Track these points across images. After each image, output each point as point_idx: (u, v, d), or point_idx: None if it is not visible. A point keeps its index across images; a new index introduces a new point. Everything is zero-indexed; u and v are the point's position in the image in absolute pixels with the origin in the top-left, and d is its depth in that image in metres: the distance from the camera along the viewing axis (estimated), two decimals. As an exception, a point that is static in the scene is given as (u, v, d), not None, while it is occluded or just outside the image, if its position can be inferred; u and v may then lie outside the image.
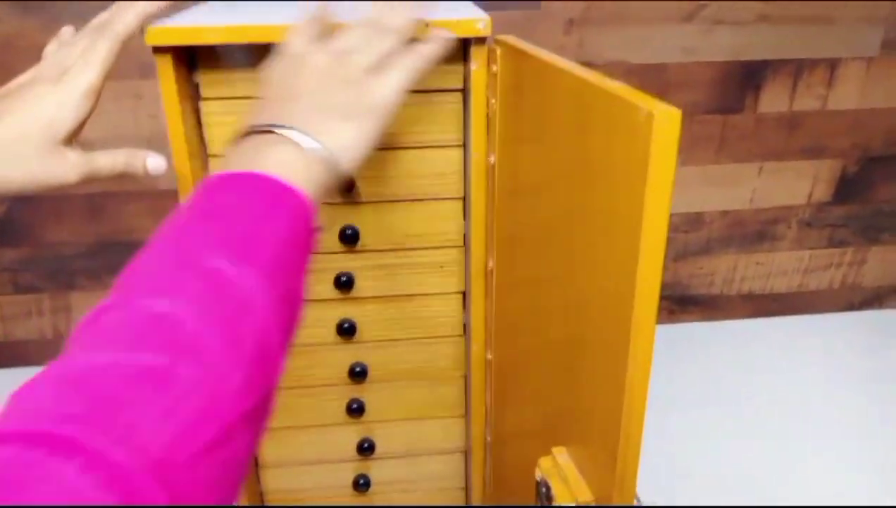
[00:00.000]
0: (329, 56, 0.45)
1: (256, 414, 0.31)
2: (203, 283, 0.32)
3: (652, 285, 0.39)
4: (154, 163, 0.52)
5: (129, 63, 0.99)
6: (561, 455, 0.47)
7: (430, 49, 0.48)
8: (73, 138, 0.49)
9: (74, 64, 0.48)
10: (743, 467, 0.99)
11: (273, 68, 0.47)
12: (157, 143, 1.07)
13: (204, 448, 0.27)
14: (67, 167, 0.48)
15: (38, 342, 1.19)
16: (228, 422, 0.29)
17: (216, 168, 0.63)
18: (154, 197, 1.09)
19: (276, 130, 0.41)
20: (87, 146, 0.51)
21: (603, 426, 0.43)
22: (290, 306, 0.36)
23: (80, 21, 1.02)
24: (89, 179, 0.49)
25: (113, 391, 0.26)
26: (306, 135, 0.41)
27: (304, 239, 0.38)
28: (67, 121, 0.47)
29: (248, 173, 0.38)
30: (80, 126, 0.49)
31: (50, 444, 0.24)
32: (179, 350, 0.29)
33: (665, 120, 0.32)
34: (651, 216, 0.34)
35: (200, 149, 0.62)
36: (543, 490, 0.46)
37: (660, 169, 0.33)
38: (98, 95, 0.49)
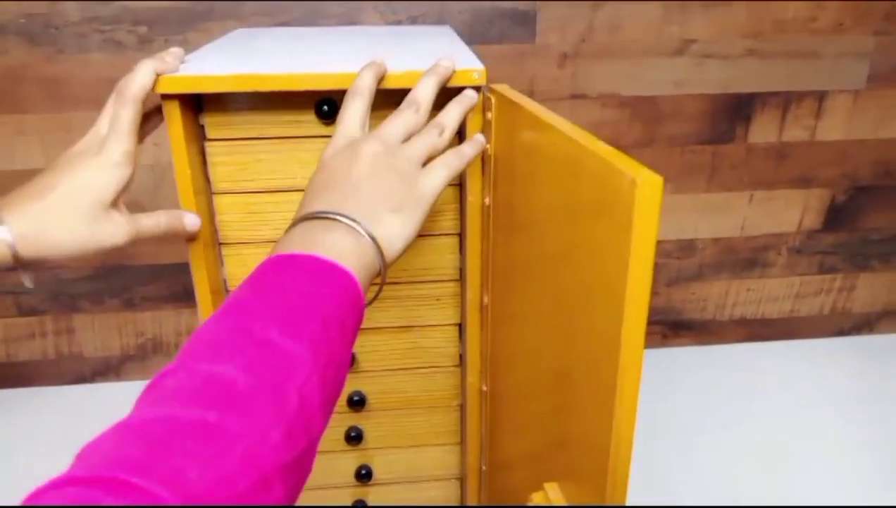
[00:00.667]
0: (383, 146, 0.49)
1: (293, 468, 0.34)
2: (254, 349, 0.36)
3: (637, 323, 0.41)
4: (191, 221, 0.58)
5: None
6: (553, 490, 0.48)
7: (472, 151, 0.54)
8: (118, 201, 0.53)
9: (107, 135, 0.52)
10: (733, 492, 1.01)
11: (329, 153, 0.50)
12: (159, 169, 1.09)
13: (242, 493, 0.30)
14: (115, 230, 0.52)
15: (41, 362, 1.21)
16: (267, 473, 0.32)
17: (220, 205, 0.66)
18: (157, 223, 1.11)
19: (330, 217, 0.44)
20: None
21: (592, 462, 0.45)
22: (334, 371, 0.39)
23: (84, 53, 1.04)
24: (136, 240, 0.54)
25: (165, 440, 0.30)
26: (358, 224, 0.44)
27: (350, 314, 0.42)
28: (110, 188, 0.51)
29: (303, 255, 0.42)
30: (123, 190, 0.53)
31: (106, 485, 0.27)
32: (228, 406, 0.32)
33: (647, 186, 0.34)
34: (636, 267, 0.36)
35: (206, 186, 0.65)
36: (535, 525, 0.48)
37: (643, 229, 0.35)
38: (135, 159, 0.53)
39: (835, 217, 1.23)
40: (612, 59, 1.07)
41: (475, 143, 0.56)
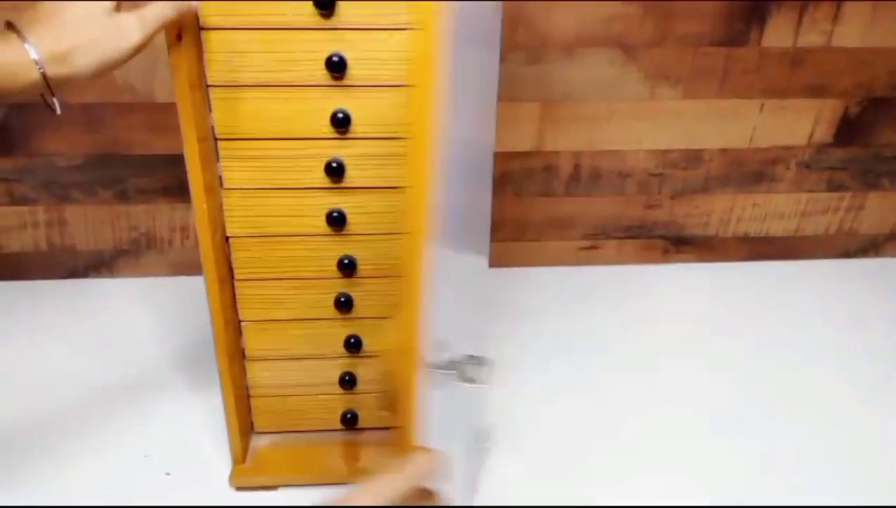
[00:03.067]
0: None
1: None
2: None
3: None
4: None
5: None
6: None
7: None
8: (120, 6, 0.54)
9: None
10: (731, 403, 1.00)
11: None
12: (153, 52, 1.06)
13: None
14: (129, 29, 0.53)
15: (33, 254, 1.19)
16: None
17: (209, 42, 0.63)
18: (152, 110, 1.08)
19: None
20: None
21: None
22: None
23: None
24: (151, 34, 0.55)
25: None
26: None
27: None
28: None
29: None
30: None
31: None
32: None
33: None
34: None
35: (194, 23, 0.62)
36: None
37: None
38: None
39: (847, 130, 1.19)
40: (624, -52, 1.03)
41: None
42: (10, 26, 0.50)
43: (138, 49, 0.55)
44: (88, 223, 1.18)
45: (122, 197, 1.16)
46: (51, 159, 1.12)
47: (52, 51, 0.50)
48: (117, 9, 0.53)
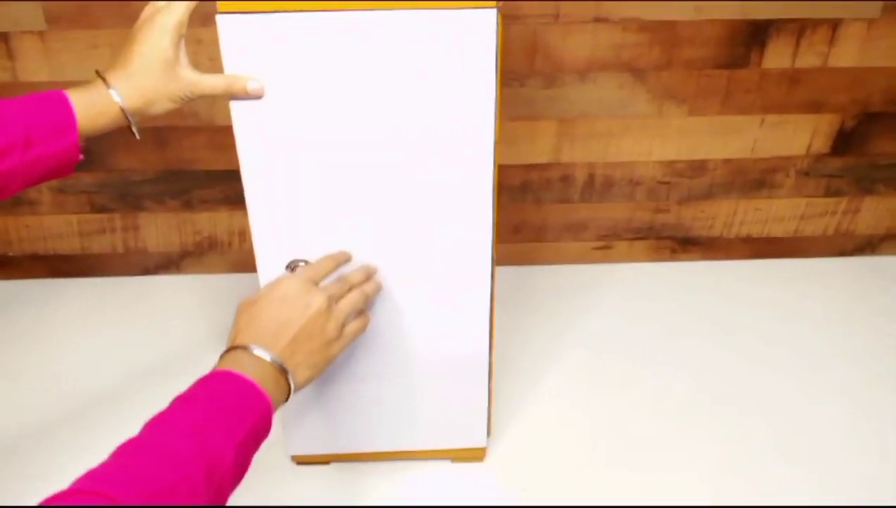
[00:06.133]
0: (327, 304, 0.67)
1: None
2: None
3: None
4: (254, 86, 0.69)
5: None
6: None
7: (374, 294, 0.78)
8: (181, 63, 0.66)
9: (160, 7, 0.66)
10: (731, 395, 1.12)
11: (290, 285, 0.68)
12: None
13: None
14: (182, 84, 0.66)
15: (111, 255, 1.36)
16: None
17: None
18: (212, 131, 1.23)
19: (264, 357, 0.62)
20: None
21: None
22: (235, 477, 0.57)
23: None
24: (200, 94, 0.68)
25: None
26: (286, 369, 0.63)
27: (261, 433, 0.60)
28: (165, 48, 0.65)
29: (234, 375, 0.59)
30: (177, 50, 0.66)
31: None
32: None
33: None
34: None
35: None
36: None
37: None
38: (184, 26, 0.67)
39: (843, 142, 1.29)
40: (634, -17, 1.13)
41: (377, 285, 0.78)
42: (98, 75, 0.65)
43: (191, 98, 0.68)
44: (159, 229, 1.34)
45: (188, 206, 1.32)
46: (126, 174, 1.28)
47: (129, 95, 0.65)
48: (178, 65, 0.66)
